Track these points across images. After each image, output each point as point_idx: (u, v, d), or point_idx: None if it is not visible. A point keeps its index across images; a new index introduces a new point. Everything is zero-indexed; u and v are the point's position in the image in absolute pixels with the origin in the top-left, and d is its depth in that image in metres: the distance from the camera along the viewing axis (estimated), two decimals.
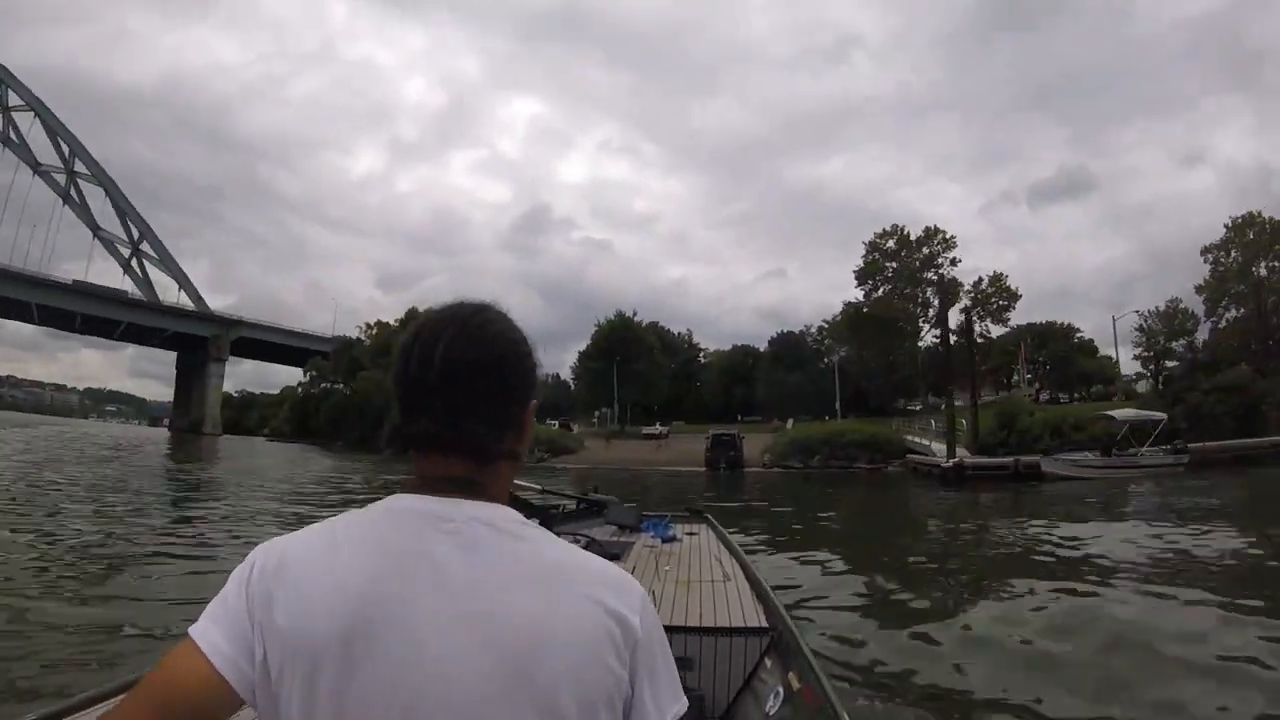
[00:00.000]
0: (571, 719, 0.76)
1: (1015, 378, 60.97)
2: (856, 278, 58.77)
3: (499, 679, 0.75)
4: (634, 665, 0.81)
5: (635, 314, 73.43)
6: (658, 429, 59.02)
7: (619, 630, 0.80)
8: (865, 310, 56.20)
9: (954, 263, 57.69)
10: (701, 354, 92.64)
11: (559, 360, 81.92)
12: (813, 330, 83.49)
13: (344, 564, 0.80)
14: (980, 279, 57.24)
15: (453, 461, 0.86)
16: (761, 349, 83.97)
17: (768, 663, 2.76)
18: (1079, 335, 66.82)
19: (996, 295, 56.43)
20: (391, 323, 73.22)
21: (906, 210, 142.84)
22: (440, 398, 0.84)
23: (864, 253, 59.12)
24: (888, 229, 59.25)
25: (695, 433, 43.53)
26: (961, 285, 56.16)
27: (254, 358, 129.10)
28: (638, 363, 67.05)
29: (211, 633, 0.80)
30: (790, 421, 46.18)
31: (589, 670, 0.78)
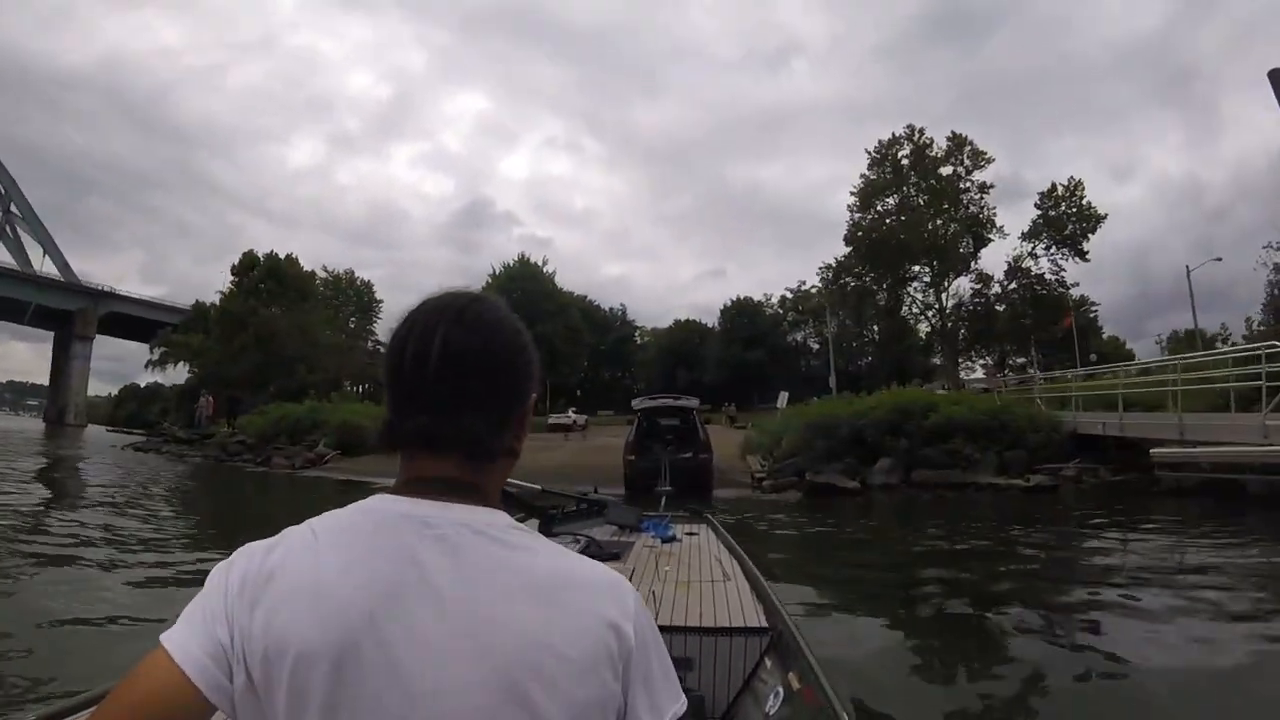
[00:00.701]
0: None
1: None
2: (857, 200, 39.67)
3: (493, 695, 0.71)
4: (627, 677, 0.77)
5: (546, 262, 55.78)
6: (570, 417, 41.63)
7: (615, 642, 0.76)
8: (875, 235, 37.85)
9: (984, 189, 39.16)
10: (638, 333, 77.25)
11: None
12: (772, 302, 69.48)
13: (330, 573, 0.74)
14: (1053, 185, 38.02)
15: (448, 461, 0.79)
16: (710, 325, 70.37)
17: (768, 663, 2.66)
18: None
19: (1073, 213, 37.35)
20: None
21: (843, 210, 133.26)
22: (438, 392, 0.78)
23: (867, 165, 40.04)
24: (898, 133, 40.04)
25: (625, 425, 25.08)
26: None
27: (133, 338, 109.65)
28: (543, 322, 49.34)
29: (186, 640, 0.73)
30: (783, 399, 25.96)
31: (583, 687, 0.73)
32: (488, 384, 0.80)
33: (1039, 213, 37.62)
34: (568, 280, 69.30)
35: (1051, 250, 37.74)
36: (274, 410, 28.70)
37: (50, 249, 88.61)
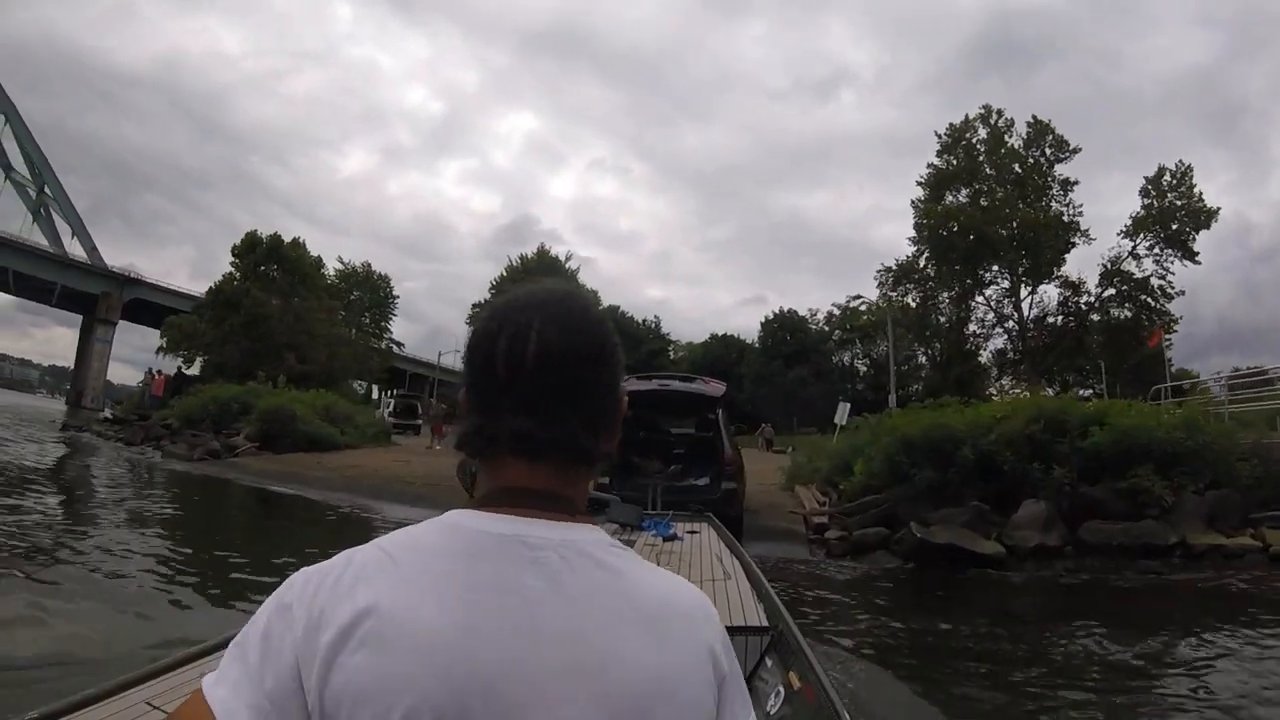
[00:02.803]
0: None
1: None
2: (924, 192, 32.67)
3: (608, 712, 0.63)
4: (722, 699, 0.72)
5: (569, 258, 49.91)
6: None
7: (714, 669, 0.71)
8: (952, 227, 30.73)
9: (1067, 187, 31.97)
10: (672, 346, 71.12)
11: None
12: (818, 318, 63.12)
13: (428, 611, 0.63)
14: (1160, 169, 30.14)
15: (542, 469, 0.71)
16: (749, 340, 64.11)
17: (768, 662, 2.65)
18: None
19: (1180, 206, 29.53)
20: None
21: (886, 242, 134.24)
22: (538, 392, 0.70)
23: (936, 152, 33.10)
24: (971, 116, 32.96)
25: None
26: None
27: (159, 325, 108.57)
28: None
29: (232, 695, 0.62)
30: (844, 411, 18.42)
31: (693, 716, 0.68)
32: (588, 384, 0.73)
33: (1143, 204, 30.46)
34: (610, 300, 63.86)
35: (1156, 250, 30.60)
36: (208, 390, 23.34)
37: (80, 231, 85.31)
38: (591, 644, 0.64)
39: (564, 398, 0.70)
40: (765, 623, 2.81)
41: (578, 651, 0.63)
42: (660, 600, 0.70)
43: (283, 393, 20.90)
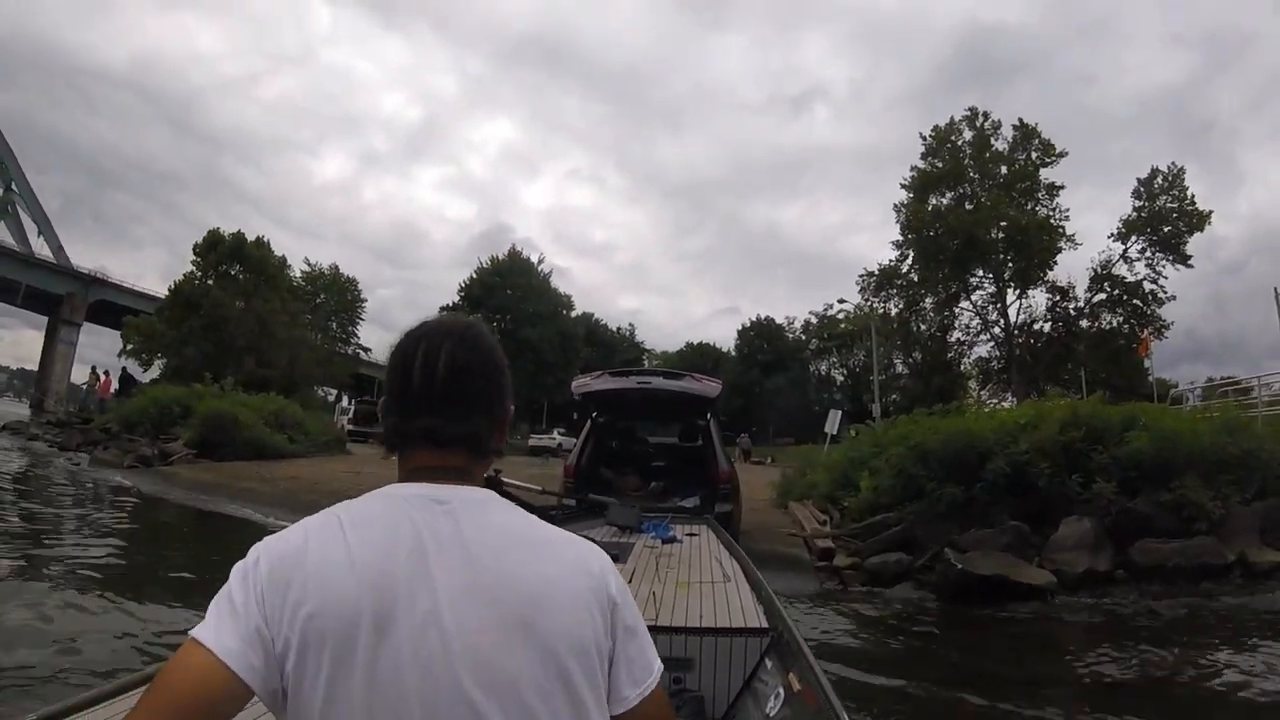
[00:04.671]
0: (566, 662, 0.84)
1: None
2: (908, 194, 31.69)
3: (506, 632, 0.83)
4: (613, 623, 0.89)
5: (541, 260, 48.26)
6: (556, 439, 34.18)
7: (601, 592, 0.89)
8: (938, 228, 29.42)
9: (1053, 191, 31.13)
10: (646, 355, 69.46)
11: None
12: (794, 327, 61.99)
13: (358, 548, 0.84)
14: (1154, 170, 29.46)
15: (450, 454, 0.92)
16: (725, 349, 62.84)
17: (768, 664, 2.62)
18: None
19: (1173, 209, 28.74)
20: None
21: (860, 255, 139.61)
22: (446, 398, 0.92)
23: (921, 154, 31.90)
24: (956, 119, 32.05)
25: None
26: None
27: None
28: (533, 326, 41.67)
29: (219, 632, 0.80)
30: (835, 420, 16.46)
31: (579, 623, 0.86)
32: (484, 393, 0.95)
33: (1134, 207, 29.64)
34: (584, 308, 62.15)
35: (1147, 253, 29.73)
36: (151, 392, 21.38)
37: (45, 230, 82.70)
38: (488, 564, 0.85)
39: (467, 401, 0.93)
40: (764, 624, 2.77)
41: (477, 571, 0.84)
42: (545, 533, 0.92)
43: (227, 396, 18.92)
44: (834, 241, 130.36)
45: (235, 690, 0.78)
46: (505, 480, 5.63)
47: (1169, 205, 29.29)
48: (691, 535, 4.94)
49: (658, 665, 0.93)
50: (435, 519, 0.86)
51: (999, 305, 32.29)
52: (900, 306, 33.65)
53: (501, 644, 0.82)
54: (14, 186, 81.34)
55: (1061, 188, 31.64)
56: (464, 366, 0.92)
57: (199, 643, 0.79)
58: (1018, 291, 31.88)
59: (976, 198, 31.09)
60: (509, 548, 0.87)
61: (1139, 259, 30.18)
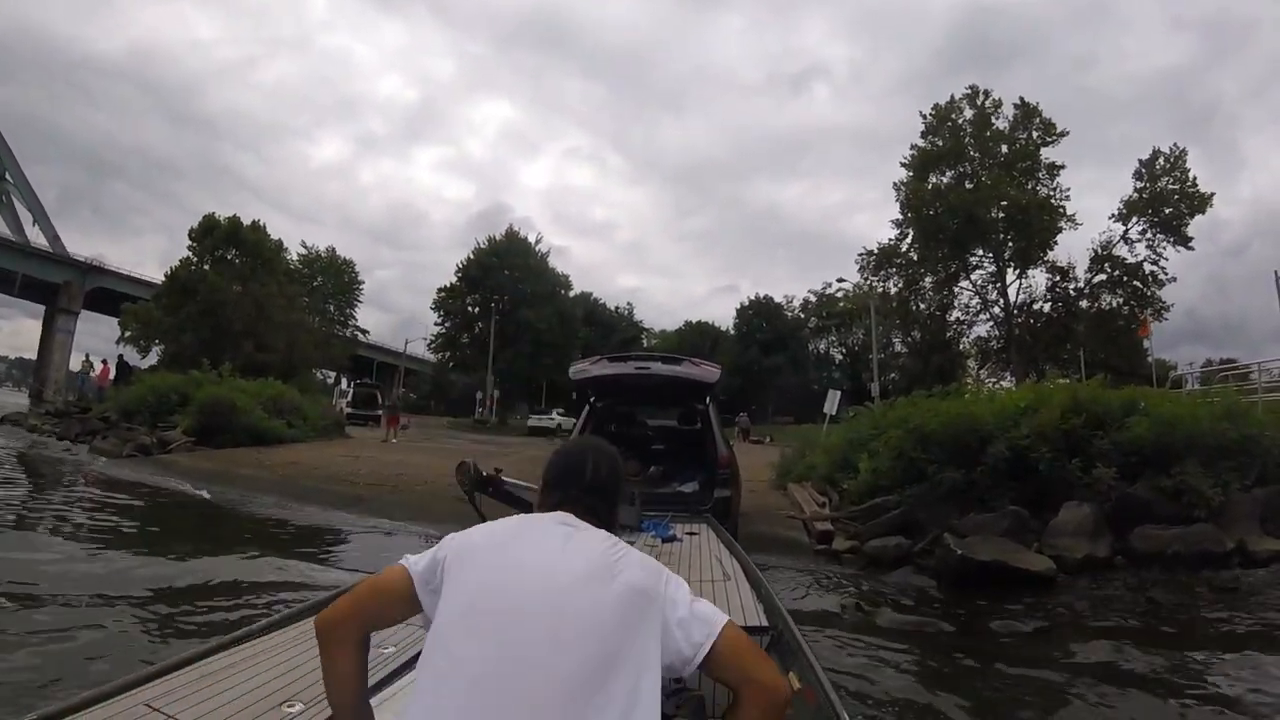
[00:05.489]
0: (637, 597, 1.24)
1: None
2: (908, 173, 31.54)
3: (589, 571, 1.25)
4: (665, 608, 1.27)
5: (539, 240, 47.90)
6: (555, 419, 34.13)
7: (636, 600, 1.25)
8: (939, 207, 29.28)
9: (1053, 171, 30.89)
10: (645, 333, 69.29)
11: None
12: (793, 306, 61.82)
13: (499, 533, 1.37)
14: (1155, 151, 29.11)
15: (591, 517, 1.43)
16: (724, 328, 62.70)
17: None
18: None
19: (1174, 190, 28.45)
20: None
21: (860, 235, 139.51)
22: (599, 488, 1.49)
23: (921, 133, 31.66)
24: (957, 97, 31.54)
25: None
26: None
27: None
28: (530, 306, 41.44)
29: (415, 561, 1.33)
30: (834, 400, 16.34)
31: (646, 583, 1.27)
32: (617, 490, 1.55)
33: (1135, 188, 29.37)
34: (582, 287, 61.90)
35: (1148, 234, 29.48)
36: (149, 380, 21.17)
37: (41, 219, 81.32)
38: (580, 549, 1.30)
39: (600, 493, 1.49)
40: (765, 623, 2.84)
41: (572, 549, 1.30)
42: (627, 548, 1.35)
43: (225, 382, 18.80)
44: (834, 221, 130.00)
45: (409, 595, 1.30)
46: (506, 480, 5.60)
47: (1170, 187, 29.03)
48: (691, 534, 4.97)
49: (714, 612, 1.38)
50: (554, 531, 1.34)
51: (999, 285, 32.19)
52: (900, 285, 33.49)
53: (582, 577, 1.24)
54: (8, 177, 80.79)
55: (1062, 167, 31.40)
56: (602, 474, 1.50)
57: (403, 565, 1.33)
58: (1018, 271, 31.77)
59: (977, 176, 30.76)
60: (600, 547, 1.31)
61: (1140, 240, 30.06)
